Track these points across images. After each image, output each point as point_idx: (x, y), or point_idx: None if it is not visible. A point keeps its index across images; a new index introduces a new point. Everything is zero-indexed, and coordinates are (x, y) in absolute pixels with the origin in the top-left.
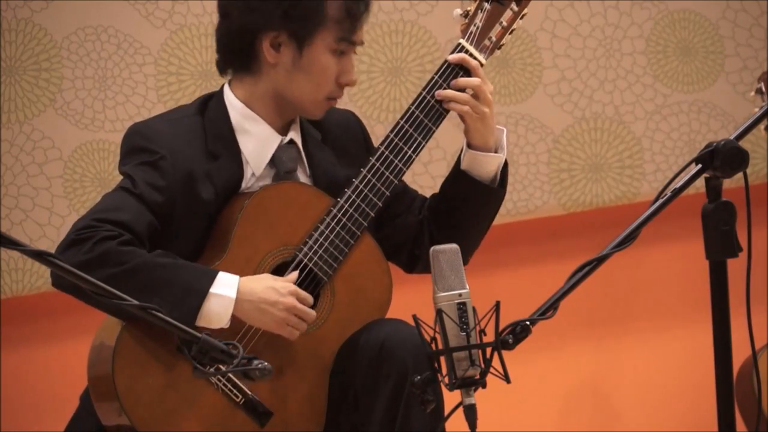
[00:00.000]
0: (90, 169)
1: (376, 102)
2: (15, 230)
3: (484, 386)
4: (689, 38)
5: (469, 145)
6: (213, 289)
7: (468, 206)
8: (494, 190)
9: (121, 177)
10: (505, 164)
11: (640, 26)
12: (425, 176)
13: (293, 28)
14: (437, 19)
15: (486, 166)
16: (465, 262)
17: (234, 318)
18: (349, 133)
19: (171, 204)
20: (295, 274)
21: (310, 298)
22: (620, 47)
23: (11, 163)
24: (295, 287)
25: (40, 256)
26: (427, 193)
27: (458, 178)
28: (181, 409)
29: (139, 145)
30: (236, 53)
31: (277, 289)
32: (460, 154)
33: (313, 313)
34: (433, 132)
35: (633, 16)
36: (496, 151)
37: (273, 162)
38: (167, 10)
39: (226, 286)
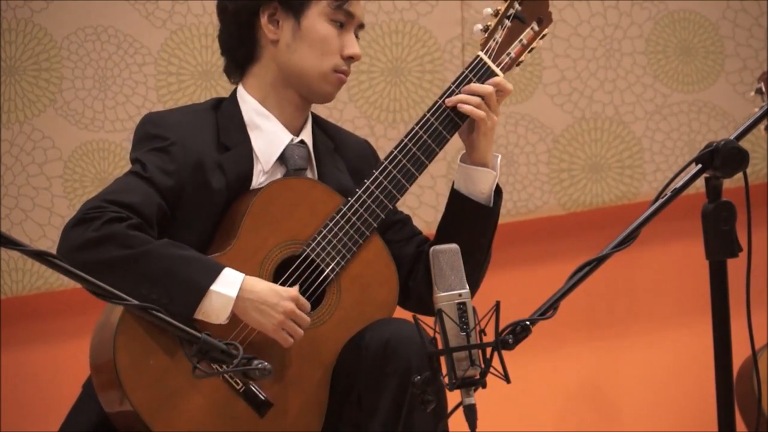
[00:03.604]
0: (90, 169)
1: (376, 102)
2: (15, 230)
3: (484, 386)
4: (689, 38)
5: (466, 161)
6: (214, 287)
7: (464, 228)
8: (488, 210)
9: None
10: (500, 192)
11: (640, 26)
12: (425, 176)
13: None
14: (437, 19)
15: (480, 182)
16: (472, 292)
17: (235, 314)
18: (362, 157)
19: (180, 189)
20: (296, 287)
21: (308, 305)
22: (620, 47)
23: (11, 163)
24: (296, 293)
25: (40, 256)
26: (427, 193)
27: (453, 200)
28: (181, 393)
29: (151, 133)
30: (238, 42)
31: (279, 293)
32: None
33: (308, 319)
34: (448, 140)
35: (633, 16)
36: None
37: (283, 159)
38: (167, 10)
39: (228, 285)
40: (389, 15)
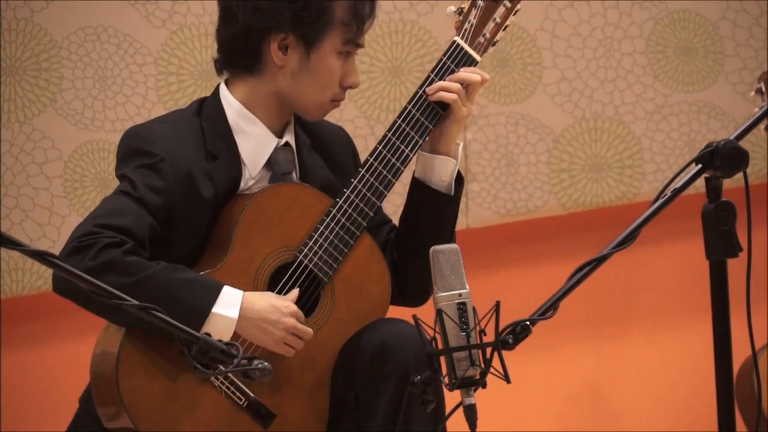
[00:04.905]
0: (90, 169)
1: (376, 102)
2: (15, 230)
3: (484, 386)
4: (689, 38)
5: (426, 149)
6: (215, 309)
7: (426, 217)
8: (449, 198)
9: (118, 181)
10: (461, 180)
11: (640, 26)
12: None
13: (302, 30)
14: (437, 19)
15: (440, 171)
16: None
17: (236, 333)
18: (339, 145)
19: (171, 206)
20: (295, 292)
21: (303, 317)
22: (620, 47)
23: (11, 163)
24: (296, 307)
25: (40, 256)
26: None
27: (414, 189)
28: (184, 413)
29: (138, 148)
30: (241, 54)
31: (279, 308)
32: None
33: (310, 331)
34: (431, 130)
35: (633, 16)
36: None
37: (269, 164)
38: (167, 10)
39: (228, 305)
40: (389, 15)
